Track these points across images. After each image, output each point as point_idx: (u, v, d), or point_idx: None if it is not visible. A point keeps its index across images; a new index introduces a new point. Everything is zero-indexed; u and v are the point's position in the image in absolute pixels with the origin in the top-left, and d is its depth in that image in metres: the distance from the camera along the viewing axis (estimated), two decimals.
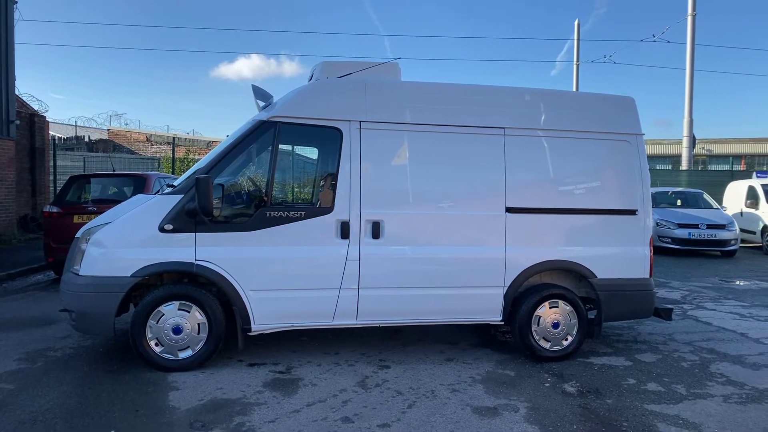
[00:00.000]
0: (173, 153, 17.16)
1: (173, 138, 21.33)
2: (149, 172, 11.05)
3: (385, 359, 5.01)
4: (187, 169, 18.08)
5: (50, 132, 17.19)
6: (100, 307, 4.38)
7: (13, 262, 10.21)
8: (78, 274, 4.46)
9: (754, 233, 14.57)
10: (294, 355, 5.03)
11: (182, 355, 4.52)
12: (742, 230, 13.89)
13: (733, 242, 13.05)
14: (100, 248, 4.43)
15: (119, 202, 9.60)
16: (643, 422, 3.78)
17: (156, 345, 4.48)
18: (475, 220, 4.99)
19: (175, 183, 5.03)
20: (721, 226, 13.05)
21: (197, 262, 4.46)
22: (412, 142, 4.92)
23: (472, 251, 4.96)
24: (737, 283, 9.68)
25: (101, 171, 16.76)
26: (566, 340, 5.15)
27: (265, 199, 4.64)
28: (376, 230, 4.76)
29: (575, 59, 27.49)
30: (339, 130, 4.78)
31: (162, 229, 4.43)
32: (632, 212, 5.28)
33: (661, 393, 4.33)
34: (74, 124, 32.77)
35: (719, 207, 14.62)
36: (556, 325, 5.11)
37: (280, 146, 4.72)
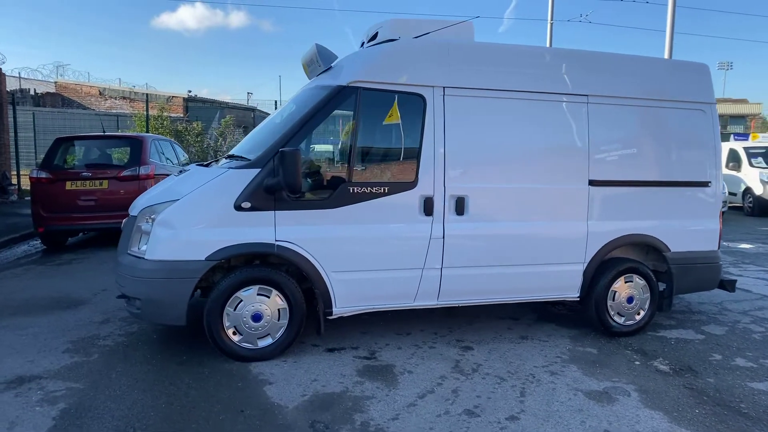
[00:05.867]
0: (147, 110, 15.99)
1: (146, 95, 19.97)
2: (144, 134, 10.25)
3: (462, 339, 4.80)
4: (162, 127, 17.00)
5: None
6: (173, 295, 3.93)
7: None
8: (143, 258, 3.98)
9: (735, 195, 15.09)
10: (367, 337, 4.74)
11: (261, 343, 4.16)
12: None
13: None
14: (170, 229, 3.95)
15: (115, 166, 8.90)
16: (759, 403, 3.73)
17: (234, 334, 4.09)
18: (559, 194, 4.75)
19: (236, 153, 4.55)
20: None
21: (278, 243, 4.05)
22: (497, 110, 4.57)
23: (555, 226, 4.74)
24: (742, 246, 9.95)
25: (53, 127, 15.57)
26: (638, 314, 5.07)
27: (347, 173, 4.24)
28: (460, 206, 4.46)
29: (549, 17, 27.13)
30: (422, 97, 4.38)
31: (239, 207, 3.98)
32: (705, 184, 5.17)
33: (755, 369, 4.31)
34: (17, 75, 30.25)
35: None
36: (630, 300, 5.00)
37: (362, 115, 4.28)
